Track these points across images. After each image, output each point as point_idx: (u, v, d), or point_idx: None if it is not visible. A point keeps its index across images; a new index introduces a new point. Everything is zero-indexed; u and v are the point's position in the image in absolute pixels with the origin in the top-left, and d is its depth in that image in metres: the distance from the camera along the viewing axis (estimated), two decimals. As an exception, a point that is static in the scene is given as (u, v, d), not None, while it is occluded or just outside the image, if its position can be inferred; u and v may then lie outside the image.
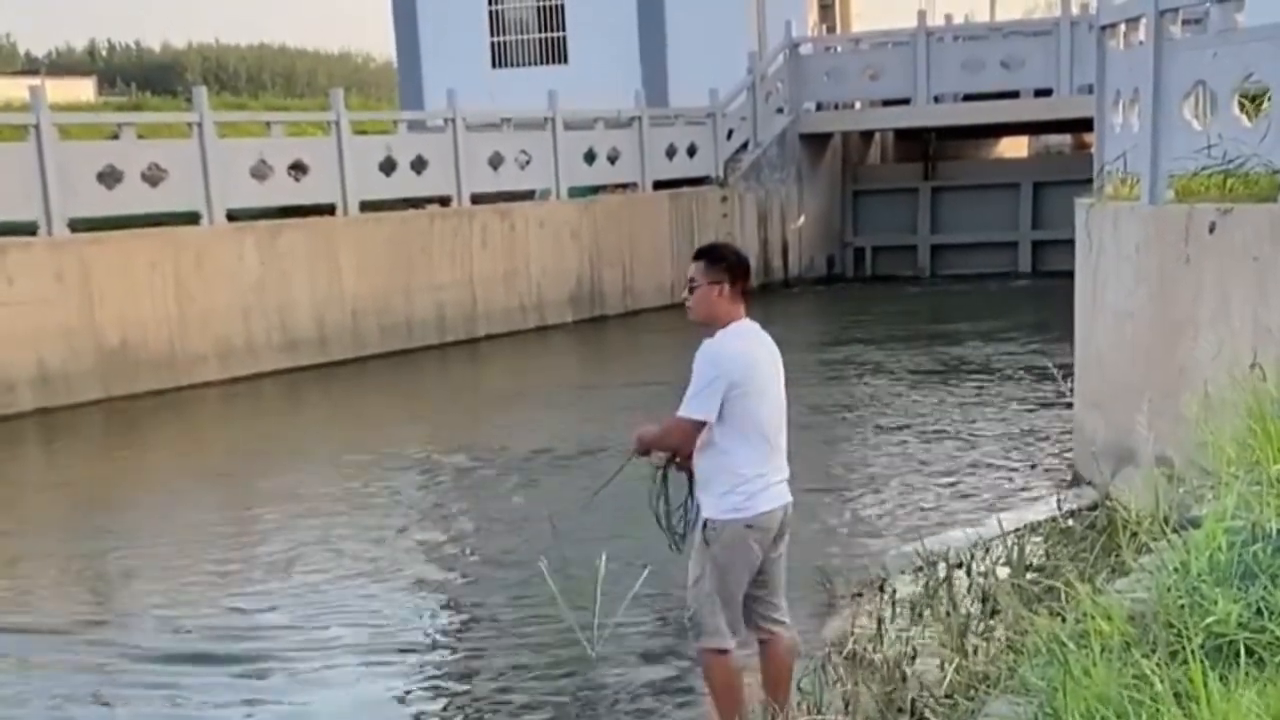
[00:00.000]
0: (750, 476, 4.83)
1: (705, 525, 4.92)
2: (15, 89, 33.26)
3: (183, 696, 6.40)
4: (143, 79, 67.36)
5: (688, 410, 4.82)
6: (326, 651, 6.91)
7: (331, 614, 7.47)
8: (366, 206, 17.20)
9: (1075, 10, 22.24)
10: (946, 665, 5.20)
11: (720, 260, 4.97)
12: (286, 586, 8.00)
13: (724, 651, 4.92)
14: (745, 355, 4.85)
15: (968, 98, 23.28)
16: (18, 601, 8.07)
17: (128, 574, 8.55)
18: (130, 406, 14.00)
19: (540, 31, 26.92)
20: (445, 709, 6.25)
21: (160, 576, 8.35)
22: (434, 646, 7.17)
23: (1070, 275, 9.78)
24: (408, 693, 6.42)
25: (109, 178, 14.79)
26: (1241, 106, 7.74)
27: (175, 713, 6.26)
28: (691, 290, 4.95)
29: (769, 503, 4.89)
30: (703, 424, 4.80)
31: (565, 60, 26.41)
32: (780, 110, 23.41)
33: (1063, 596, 4.94)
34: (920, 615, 6.45)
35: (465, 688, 6.48)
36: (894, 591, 6.88)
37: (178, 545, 8.96)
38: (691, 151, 22.04)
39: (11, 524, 9.87)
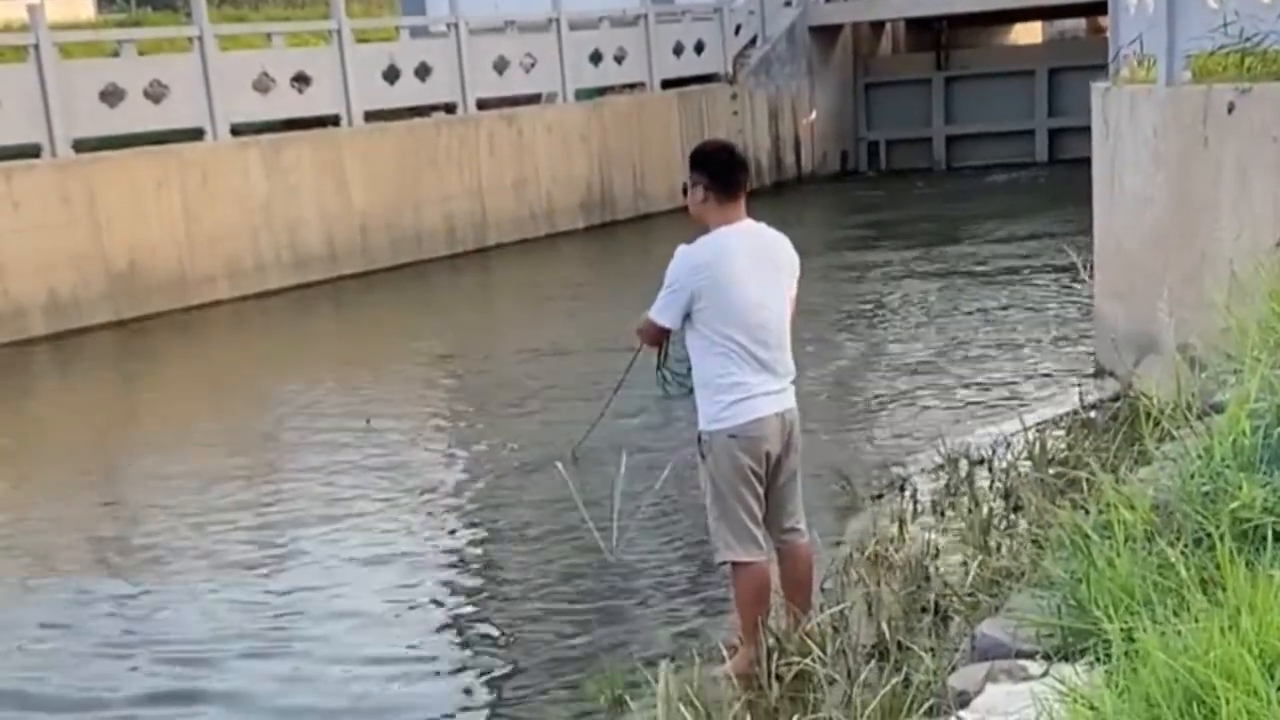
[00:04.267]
0: (727, 386, 4.74)
1: (700, 440, 4.88)
2: (14, 9, 32.82)
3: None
4: (142, -5, 66.54)
5: (653, 312, 4.88)
6: (345, 564, 6.93)
7: (347, 526, 7.48)
8: (371, 116, 16.97)
9: (1088, -111, 21.72)
10: (969, 562, 5.18)
11: (699, 159, 4.89)
12: (300, 505, 7.98)
13: (739, 563, 4.88)
14: (712, 266, 4.71)
15: (979, -16, 22.84)
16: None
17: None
18: (142, 329, 13.96)
19: (542, -69, 26.36)
20: (459, 615, 6.25)
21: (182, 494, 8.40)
22: (448, 553, 7.16)
23: (1088, 162, 9.61)
24: (419, 599, 6.40)
25: (111, 96, 14.62)
26: (1260, -19, 7.52)
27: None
28: (686, 191, 4.89)
29: (753, 412, 4.76)
30: (666, 330, 4.90)
31: (568, -41, 25.91)
32: (788, 3, 22.95)
33: (1086, 488, 4.90)
34: (942, 514, 6.43)
35: (481, 594, 6.49)
36: (915, 491, 6.85)
37: (195, 471, 8.99)
38: (699, 49, 21.65)
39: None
